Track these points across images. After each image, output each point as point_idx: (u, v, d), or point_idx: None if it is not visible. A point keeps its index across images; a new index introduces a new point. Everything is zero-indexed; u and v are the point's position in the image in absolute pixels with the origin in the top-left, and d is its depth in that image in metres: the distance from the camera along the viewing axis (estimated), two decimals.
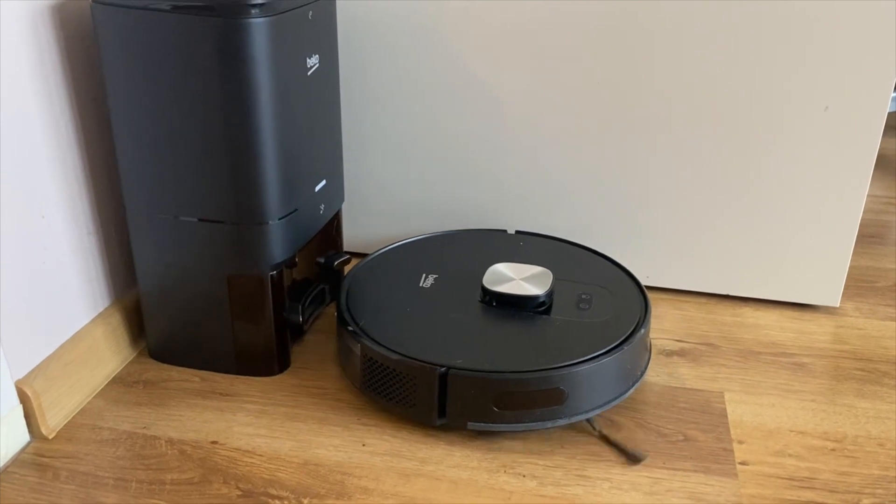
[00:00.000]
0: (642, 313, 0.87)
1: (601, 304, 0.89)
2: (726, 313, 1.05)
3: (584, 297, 0.90)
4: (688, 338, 0.99)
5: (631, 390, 0.84)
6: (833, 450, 0.80)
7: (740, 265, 1.05)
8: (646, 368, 0.88)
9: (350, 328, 0.85)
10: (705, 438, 0.81)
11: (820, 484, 0.76)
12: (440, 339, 0.83)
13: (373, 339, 0.82)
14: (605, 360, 0.80)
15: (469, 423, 0.79)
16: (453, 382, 0.78)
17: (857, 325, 1.02)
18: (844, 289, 1.09)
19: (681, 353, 0.96)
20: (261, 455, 0.79)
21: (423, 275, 0.94)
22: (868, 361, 0.94)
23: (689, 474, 0.77)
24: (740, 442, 0.81)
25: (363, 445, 0.80)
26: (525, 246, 1.02)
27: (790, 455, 0.79)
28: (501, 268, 0.92)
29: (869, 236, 1.26)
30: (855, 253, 1.20)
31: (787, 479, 0.76)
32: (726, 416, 0.85)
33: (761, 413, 0.85)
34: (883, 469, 0.78)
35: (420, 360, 0.79)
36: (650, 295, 1.08)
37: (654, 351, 0.96)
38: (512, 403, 0.78)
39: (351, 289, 0.92)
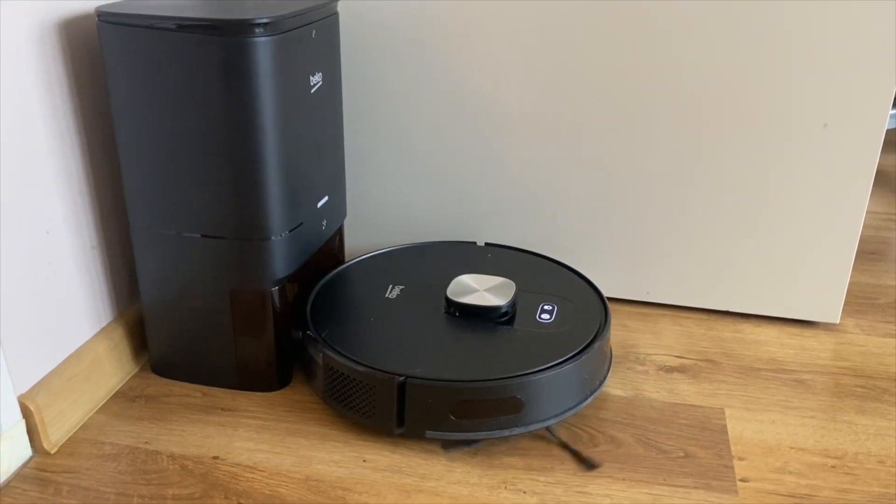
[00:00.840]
0: (602, 324, 0.88)
1: (563, 314, 0.90)
2: (726, 329, 1.05)
3: (546, 307, 0.91)
4: (688, 354, 0.99)
5: (589, 400, 0.85)
6: (833, 467, 0.80)
7: (740, 281, 1.05)
8: (605, 378, 0.88)
9: (312, 337, 0.86)
10: (706, 455, 0.81)
11: (820, 501, 0.76)
12: (402, 349, 0.84)
13: (334, 349, 0.83)
14: (562, 369, 0.81)
15: (427, 432, 0.80)
16: (411, 391, 0.79)
17: (858, 341, 1.02)
18: (845, 305, 1.09)
19: (681, 370, 0.96)
20: (262, 470, 0.79)
21: (390, 286, 0.95)
22: (868, 378, 0.95)
23: (689, 491, 0.77)
24: (741, 458, 0.81)
25: (364, 461, 0.80)
26: (493, 258, 1.03)
27: (790, 472, 0.79)
28: (466, 279, 0.93)
29: (869, 253, 1.27)
30: (855, 269, 1.20)
31: (787, 495, 0.76)
32: (727, 433, 0.85)
33: (762, 430, 0.85)
34: (883, 486, 0.78)
35: (379, 370, 0.80)
36: (650, 311, 1.09)
37: (653, 367, 0.96)
38: (469, 412, 0.79)
39: (317, 300, 0.93)
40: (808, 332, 1.04)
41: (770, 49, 0.92)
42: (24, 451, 0.80)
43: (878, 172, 1.61)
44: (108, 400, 0.90)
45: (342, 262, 1.08)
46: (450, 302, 0.90)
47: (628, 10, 0.94)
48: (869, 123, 0.94)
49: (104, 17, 0.77)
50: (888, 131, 1.90)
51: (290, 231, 0.86)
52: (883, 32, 0.89)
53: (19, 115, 0.76)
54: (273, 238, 0.84)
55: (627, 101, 0.99)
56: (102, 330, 0.91)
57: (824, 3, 0.89)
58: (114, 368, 0.91)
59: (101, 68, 0.86)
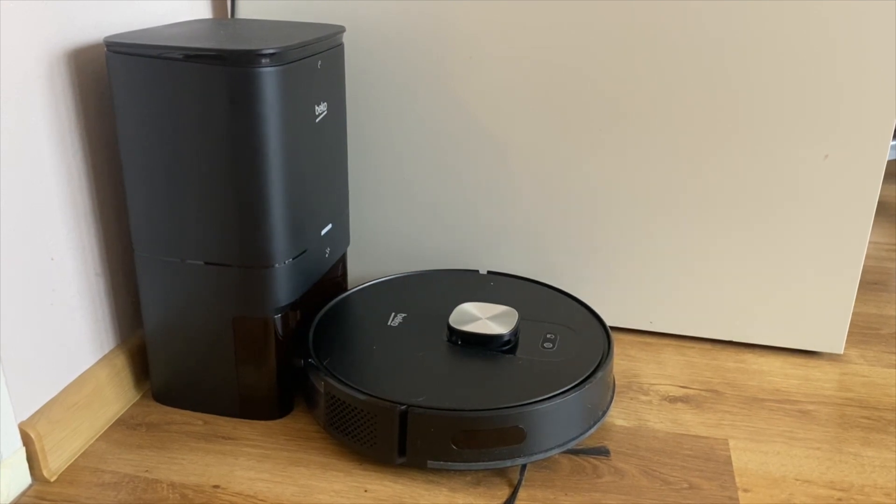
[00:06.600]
0: (605, 353, 0.88)
1: (566, 344, 0.90)
2: (730, 359, 1.04)
3: (549, 336, 0.91)
4: (691, 384, 0.99)
5: (592, 430, 0.84)
6: (839, 499, 0.79)
7: (744, 311, 1.05)
8: (608, 408, 0.88)
9: (314, 365, 0.85)
10: (710, 486, 0.81)
11: None
12: (403, 377, 0.83)
13: (336, 377, 0.83)
14: (565, 398, 0.80)
15: (429, 462, 0.79)
16: (413, 420, 0.78)
17: (862, 372, 1.02)
18: (848, 336, 1.08)
19: (685, 400, 0.95)
20: (262, 500, 0.78)
21: (392, 314, 0.95)
22: (873, 409, 0.94)
23: None
24: (745, 490, 0.80)
25: (365, 491, 0.80)
26: (495, 286, 1.03)
27: None
28: (469, 307, 0.93)
29: (872, 283, 1.27)
30: (858, 300, 1.20)
31: None
32: (731, 464, 0.84)
33: (766, 461, 0.85)
34: None
35: (381, 398, 0.79)
36: (654, 340, 1.09)
37: (656, 397, 0.96)
38: (470, 442, 0.78)
39: (319, 327, 0.93)
40: (811, 362, 1.04)
41: (771, 81, 0.93)
42: (23, 478, 0.79)
43: (879, 203, 1.62)
44: (109, 427, 0.89)
45: (345, 289, 1.08)
46: (452, 330, 0.90)
47: (629, 46, 0.95)
48: (870, 154, 0.94)
49: (112, 47, 0.78)
50: (889, 162, 1.91)
51: (293, 259, 0.86)
52: (884, 64, 0.90)
53: (27, 142, 0.76)
54: (276, 265, 0.84)
55: (629, 133, 0.99)
56: (105, 357, 0.91)
57: (825, 35, 0.90)
58: (115, 396, 0.91)
59: (109, 97, 0.87)
